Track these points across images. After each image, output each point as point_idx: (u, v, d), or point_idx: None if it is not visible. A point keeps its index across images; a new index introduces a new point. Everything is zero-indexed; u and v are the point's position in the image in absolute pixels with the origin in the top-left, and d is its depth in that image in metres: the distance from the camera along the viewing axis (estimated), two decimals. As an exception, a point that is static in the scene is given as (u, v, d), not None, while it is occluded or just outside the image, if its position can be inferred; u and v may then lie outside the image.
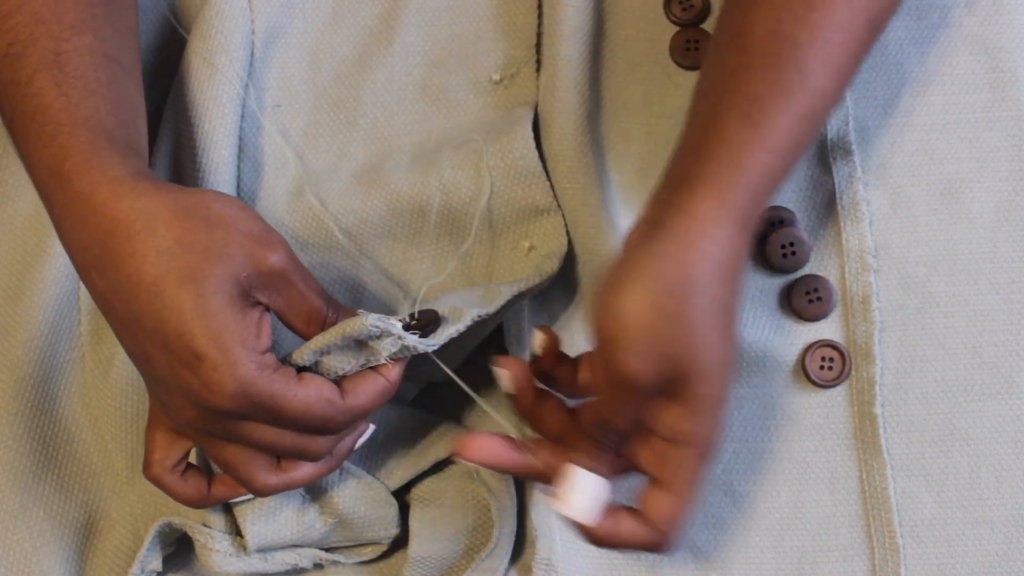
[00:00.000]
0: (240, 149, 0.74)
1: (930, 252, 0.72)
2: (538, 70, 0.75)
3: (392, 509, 0.68)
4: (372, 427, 0.65)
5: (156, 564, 0.68)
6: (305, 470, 0.62)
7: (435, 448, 0.69)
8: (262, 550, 0.68)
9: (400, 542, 0.70)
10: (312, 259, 0.73)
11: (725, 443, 0.70)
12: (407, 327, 0.61)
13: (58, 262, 0.72)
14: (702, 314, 0.57)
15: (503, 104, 0.75)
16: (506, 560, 0.68)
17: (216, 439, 0.61)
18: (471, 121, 0.75)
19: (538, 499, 0.69)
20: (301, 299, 0.60)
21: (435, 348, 0.62)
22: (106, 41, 0.64)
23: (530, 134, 0.71)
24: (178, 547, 0.71)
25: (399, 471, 0.69)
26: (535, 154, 0.71)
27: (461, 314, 0.63)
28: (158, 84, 0.76)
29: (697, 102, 0.63)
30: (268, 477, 0.61)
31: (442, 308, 0.64)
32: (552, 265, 0.69)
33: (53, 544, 0.69)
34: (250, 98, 0.74)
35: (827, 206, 0.73)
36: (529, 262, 0.71)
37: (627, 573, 0.69)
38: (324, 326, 0.60)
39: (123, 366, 0.70)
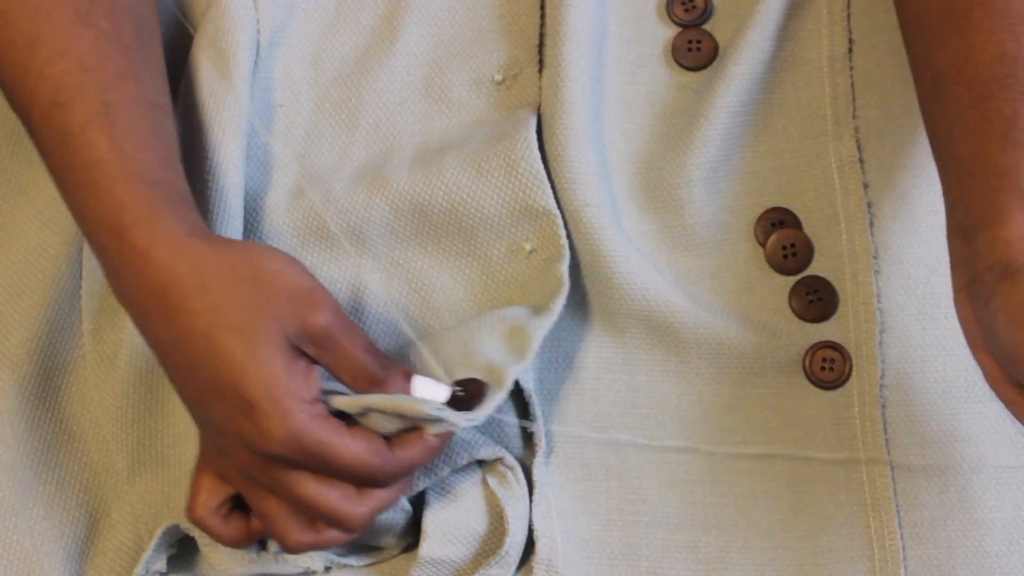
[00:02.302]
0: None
1: (932, 253, 0.72)
2: (540, 71, 0.75)
3: (405, 515, 0.68)
4: (409, 509, 0.67)
5: (160, 565, 0.68)
6: (335, 532, 0.64)
7: (453, 456, 0.69)
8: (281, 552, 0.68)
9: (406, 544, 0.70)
10: (312, 259, 0.73)
11: (726, 444, 0.71)
12: (454, 396, 0.63)
13: (60, 262, 0.72)
14: None
15: (505, 104, 0.75)
16: (513, 569, 0.68)
17: (260, 489, 0.62)
18: (473, 121, 0.75)
19: (539, 500, 0.69)
20: (347, 357, 0.62)
21: (478, 423, 0.63)
22: (147, 87, 0.65)
23: (533, 136, 0.71)
24: (179, 548, 0.70)
25: (418, 482, 0.69)
26: (538, 156, 0.71)
27: (501, 377, 0.65)
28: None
29: (951, 145, 0.63)
30: (302, 535, 0.63)
31: (479, 371, 0.65)
32: (560, 283, 0.69)
33: (53, 543, 0.69)
34: (255, 99, 0.74)
35: (829, 207, 0.73)
36: (530, 264, 0.71)
37: (626, 574, 0.69)
38: (372, 382, 0.62)
39: (125, 366, 0.70)
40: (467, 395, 0.64)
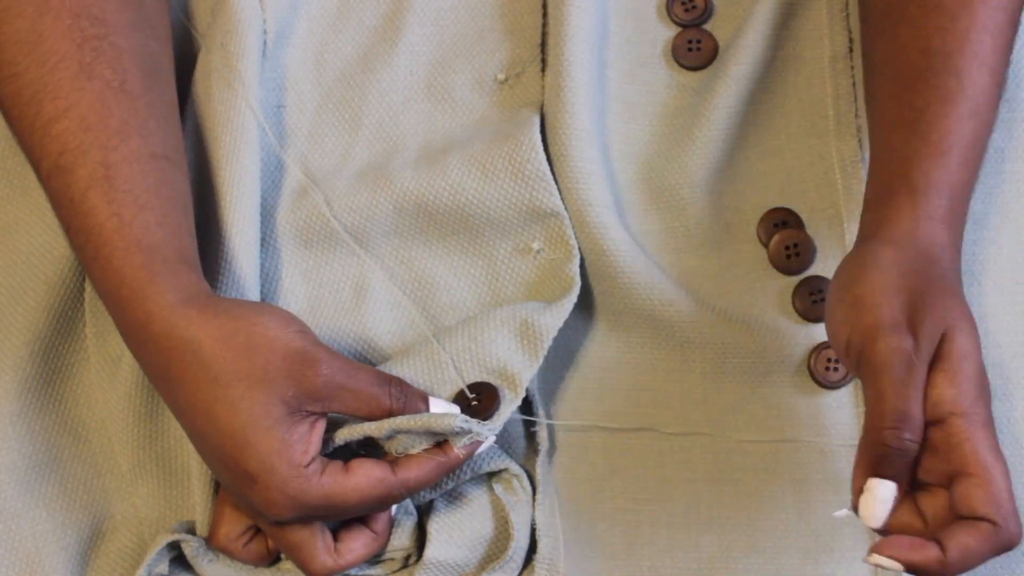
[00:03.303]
0: None
1: (934, 253, 0.72)
2: (543, 70, 0.75)
3: (412, 519, 0.68)
4: (414, 512, 0.69)
5: (163, 567, 0.68)
6: (357, 553, 0.66)
7: (457, 471, 0.69)
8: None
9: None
10: (316, 259, 0.73)
11: (729, 444, 0.71)
12: (468, 404, 0.66)
13: (64, 264, 0.72)
14: (938, 281, 0.60)
15: (508, 103, 0.75)
16: (516, 574, 0.68)
17: (279, 525, 0.64)
18: (476, 120, 0.75)
19: (542, 499, 0.69)
20: (356, 398, 0.63)
21: (498, 432, 0.66)
22: (150, 137, 0.66)
23: (538, 137, 0.71)
24: (180, 551, 0.70)
25: (424, 495, 0.69)
26: (543, 157, 0.71)
27: (515, 383, 0.67)
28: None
29: (872, 133, 0.67)
30: (326, 559, 0.65)
31: (492, 374, 0.67)
32: (571, 282, 0.70)
33: (55, 544, 0.69)
34: (258, 101, 0.74)
35: (831, 207, 0.73)
36: (538, 264, 0.72)
37: (628, 573, 0.69)
38: (391, 411, 0.64)
39: (129, 368, 0.70)
40: (481, 404, 0.66)
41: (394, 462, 0.64)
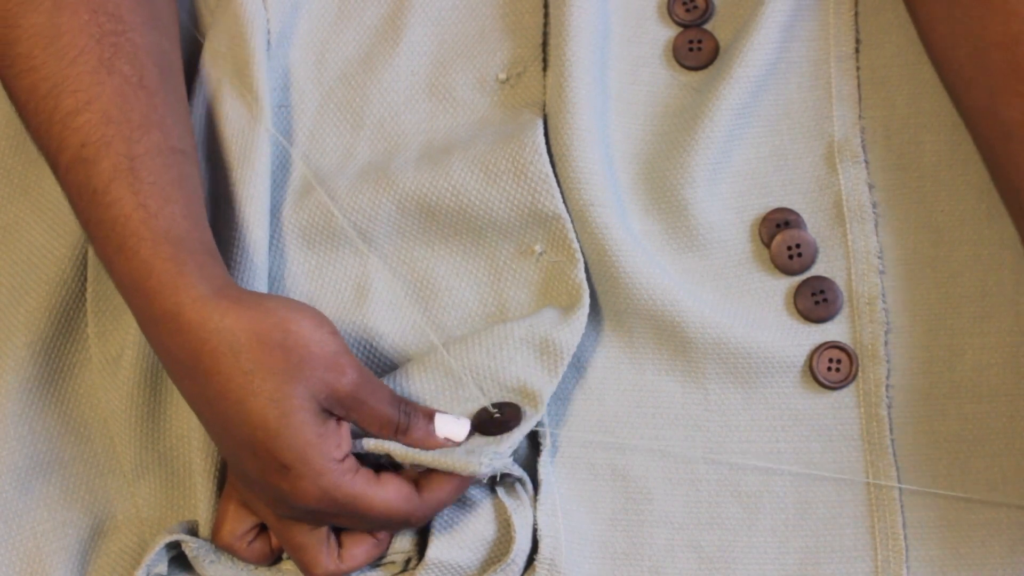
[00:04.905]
0: None
1: (938, 253, 0.72)
2: (544, 69, 0.75)
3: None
4: None
5: (161, 568, 0.68)
6: (359, 559, 0.67)
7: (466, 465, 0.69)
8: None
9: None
10: (319, 258, 0.73)
11: (732, 443, 0.71)
12: (491, 418, 0.67)
13: (65, 264, 0.72)
14: None
15: (509, 103, 0.75)
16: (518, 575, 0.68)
17: (286, 523, 0.65)
18: (478, 120, 0.75)
19: (543, 499, 0.69)
20: (372, 413, 0.64)
21: (514, 448, 0.67)
22: (170, 132, 0.66)
23: (541, 139, 0.71)
24: (180, 551, 0.70)
25: None
26: (546, 159, 0.71)
27: (535, 399, 0.68)
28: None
29: (1020, 196, 0.67)
30: (328, 563, 0.66)
31: (511, 393, 0.68)
32: (579, 291, 0.70)
33: (56, 544, 0.69)
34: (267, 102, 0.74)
35: (833, 207, 0.73)
36: (540, 266, 0.72)
37: (629, 573, 0.69)
38: (397, 430, 0.65)
39: (130, 368, 0.70)
40: (504, 418, 0.67)
41: (418, 481, 0.65)
